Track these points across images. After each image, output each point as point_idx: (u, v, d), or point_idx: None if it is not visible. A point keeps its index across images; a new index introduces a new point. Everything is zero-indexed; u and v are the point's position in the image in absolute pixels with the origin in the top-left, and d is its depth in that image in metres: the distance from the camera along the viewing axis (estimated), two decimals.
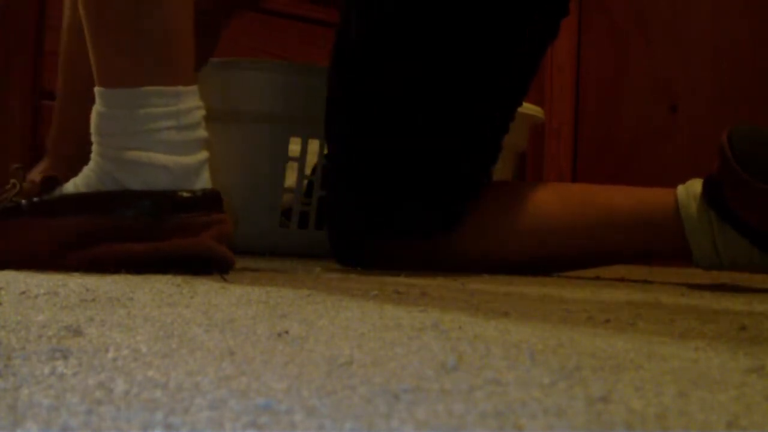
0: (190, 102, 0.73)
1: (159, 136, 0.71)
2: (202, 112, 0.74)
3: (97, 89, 0.72)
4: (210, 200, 0.73)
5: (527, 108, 1.40)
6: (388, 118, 0.94)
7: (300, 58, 1.57)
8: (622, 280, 0.94)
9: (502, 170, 1.39)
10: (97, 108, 0.72)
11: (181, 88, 0.72)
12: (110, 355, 0.32)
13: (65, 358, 0.31)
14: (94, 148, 0.73)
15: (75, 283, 0.58)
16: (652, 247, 0.91)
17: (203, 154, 0.74)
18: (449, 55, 0.93)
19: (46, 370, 0.29)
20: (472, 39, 0.92)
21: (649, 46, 1.51)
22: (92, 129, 0.73)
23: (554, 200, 0.95)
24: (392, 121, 0.94)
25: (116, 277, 0.64)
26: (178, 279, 0.64)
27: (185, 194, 0.71)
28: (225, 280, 0.67)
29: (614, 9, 1.57)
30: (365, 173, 0.95)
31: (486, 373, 0.31)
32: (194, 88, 0.74)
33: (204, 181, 0.73)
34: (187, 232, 0.70)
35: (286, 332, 0.39)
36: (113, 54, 0.72)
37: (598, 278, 0.95)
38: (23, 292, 0.51)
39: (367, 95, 0.95)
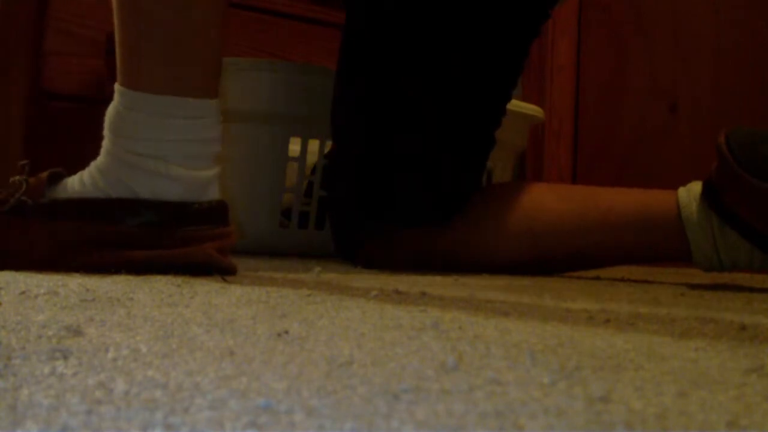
0: (213, 116, 0.72)
1: (179, 147, 0.70)
2: (220, 127, 0.74)
3: (119, 87, 0.71)
4: (215, 213, 0.72)
5: (527, 108, 1.40)
6: (391, 110, 0.94)
7: (300, 58, 1.57)
8: (622, 280, 0.94)
9: (502, 170, 1.39)
10: (116, 106, 0.71)
11: (207, 101, 0.71)
12: (110, 355, 0.32)
13: (65, 358, 0.31)
14: (105, 144, 0.72)
15: (75, 283, 0.58)
16: (653, 248, 0.91)
17: (216, 168, 0.74)
18: (447, 51, 0.94)
19: (46, 370, 0.29)
20: (466, 39, 0.93)
21: (649, 46, 1.51)
22: (107, 126, 0.71)
23: (554, 200, 0.95)
24: (394, 112, 0.94)
25: (116, 277, 0.64)
26: (178, 279, 0.64)
27: (191, 207, 0.71)
28: (225, 281, 0.67)
29: (614, 9, 1.57)
30: (368, 163, 0.96)
31: (486, 373, 0.31)
32: (217, 101, 0.73)
33: (213, 193, 0.73)
34: (191, 242, 0.70)
35: (286, 332, 0.39)
36: (144, 56, 0.70)
37: (598, 278, 0.95)
38: (23, 292, 0.51)
39: (370, 86, 0.95)
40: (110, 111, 0.72)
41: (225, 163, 1.17)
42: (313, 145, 1.16)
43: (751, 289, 0.84)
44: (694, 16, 1.46)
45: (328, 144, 1.18)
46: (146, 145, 0.70)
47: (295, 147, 1.16)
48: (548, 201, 0.95)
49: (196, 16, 0.71)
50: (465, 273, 0.90)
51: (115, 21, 0.71)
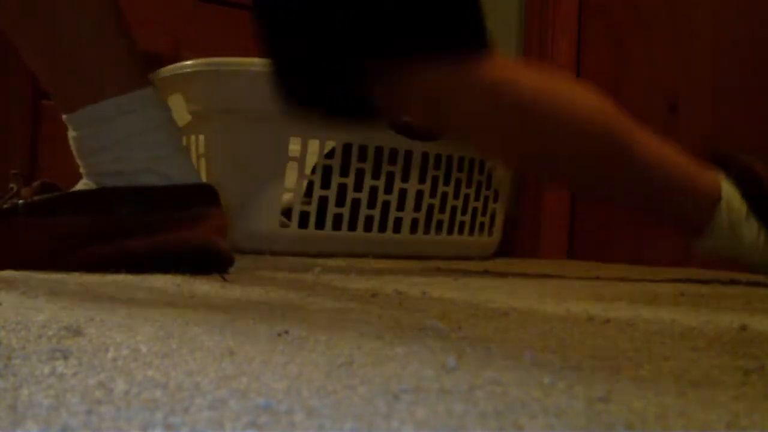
0: (151, 102, 0.73)
1: (130, 141, 0.71)
2: (166, 111, 0.74)
3: (64, 118, 0.74)
4: (206, 194, 0.73)
5: None
6: None
7: None
8: (622, 280, 0.94)
9: (502, 170, 1.39)
10: (69, 134, 0.74)
11: (137, 92, 0.72)
12: (110, 355, 0.32)
13: (65, 358, 0.31)
14: (81, 171, 0.74)
15: (75, 283, 0.58)
16: (675, 211, 0.89)
17: (182, 149, 0.75)
18: None
19: (46, 370, 0.29)
20: None
21: (649, 46, 1.51)
22: (74, 154, 0.74)
23: (593, 121, 0.83)
24: None
25: (116, 277, 0.64)
26: (178, 279, 0.64)
27: (180, 189, 0.72)
28: (225, 280, 0.67)
29: (614, 9, 1.56)
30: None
31: (486, 373, 0.31)
32: (150, 89, 0.74)
33: (193, 174, 0.73)
34: (186, 225, 0.71)
35: (286, 332, 0.39)
36: (57, 82, 0.74)
37: (598, 278, 0.95)
38: (23, 292, 0.51)
39: None
40: (69, 141, 0.74)
41: (225, 163, 1.17)
42: (313, 145, 1.16)
43: (752, 289, 0.84)
44: (694, 16, 1.46)
45: (329, 144, 1.18)
46: (105, 154, 0.72)
47: (295, 147, 1.16)
48: (585, 114, 0.83)
49: (65, 26, 0.72)
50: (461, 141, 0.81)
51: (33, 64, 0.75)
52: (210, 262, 0.71)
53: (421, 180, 1.27)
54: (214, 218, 0.72)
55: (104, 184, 0.72)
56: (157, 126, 0.73)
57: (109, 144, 0.71)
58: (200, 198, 0.72)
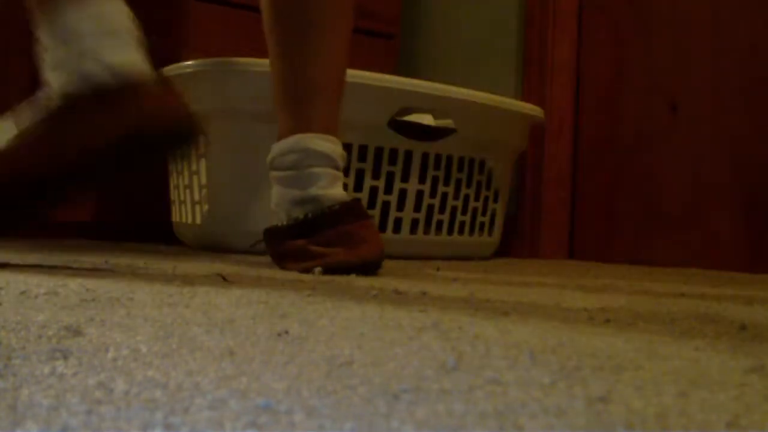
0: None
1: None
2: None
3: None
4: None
5: (527, 108, 1.40)
6: None
7: None
8: (622, 279, 0.94)
9: (502, 170, 1.39)
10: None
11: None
12: (110, 355, 0.32)
13: (65, 358, 0.31)
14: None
15: (75, 283, 0.58)
16: None
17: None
18: None
19: (46, 370, 0.29)
20: None
21: (649, 46, 1.51)
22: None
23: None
24: None
25: (116, 277, 0.64)
26: (178, 279, 0.64)
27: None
28: (225, 280, 0.67)
29: (614, 9, 1.56)
30: None
31: (486, 373, 0.31)
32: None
33: (139, 61, 0.74)
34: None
35: (286, 332, 0.39)
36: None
37: (598, 278, 0.95)
38: (23, 292, 0.51)
39: None
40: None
41: (225, 163, 1.17)
42: None
43: (752, 288, 0.84)
44: (694, 16, 1.46)
45: None
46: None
47: None
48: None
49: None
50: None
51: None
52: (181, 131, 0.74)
53: (421, 180, 1.27)
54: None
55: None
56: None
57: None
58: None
